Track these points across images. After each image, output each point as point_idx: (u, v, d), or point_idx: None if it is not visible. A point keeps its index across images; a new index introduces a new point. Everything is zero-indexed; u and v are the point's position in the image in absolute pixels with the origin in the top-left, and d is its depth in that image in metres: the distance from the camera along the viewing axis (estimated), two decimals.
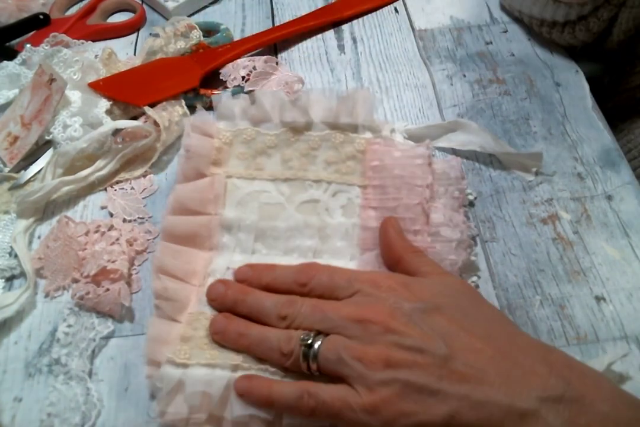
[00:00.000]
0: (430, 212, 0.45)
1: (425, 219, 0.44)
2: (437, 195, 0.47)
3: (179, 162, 0.48)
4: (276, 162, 0.48)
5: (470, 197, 0.49)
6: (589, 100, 0.55)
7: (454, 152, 0.52)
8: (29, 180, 0.53)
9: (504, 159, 0.51)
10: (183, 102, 0.56)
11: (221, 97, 0.50)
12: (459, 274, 0.43)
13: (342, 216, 0.46)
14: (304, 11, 0.66)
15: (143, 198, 0.52)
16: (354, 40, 0.63)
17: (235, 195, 0.47)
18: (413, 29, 0.64)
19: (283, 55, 0.63)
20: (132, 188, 0.53)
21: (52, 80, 0.49)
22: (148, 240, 0.49)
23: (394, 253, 0.42)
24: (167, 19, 0.66)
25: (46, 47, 0.60)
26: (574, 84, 0.57)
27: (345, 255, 0.45)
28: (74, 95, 0.54)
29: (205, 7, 0.69)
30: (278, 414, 0.37)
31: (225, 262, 0.45)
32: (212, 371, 0.38)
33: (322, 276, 0.40)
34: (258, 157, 0.48)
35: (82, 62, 0.56)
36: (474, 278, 0.45)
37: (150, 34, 0.61)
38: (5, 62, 0.60)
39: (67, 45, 0.62)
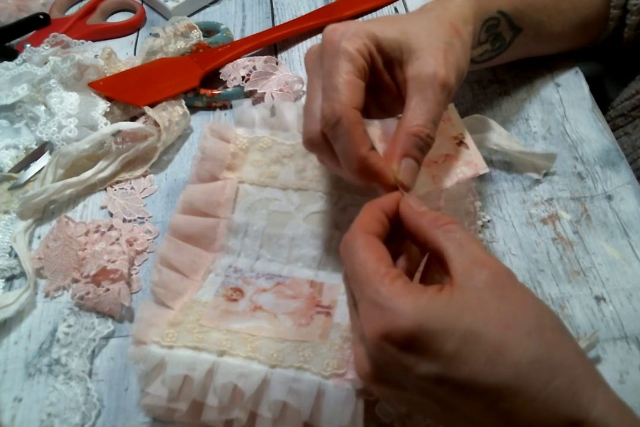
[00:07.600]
0: None
1: None
2: (446, 212, 0.45)
3: (193, 164, 0.48)
4: (290, 172, 0.48)
5: (484, 220, 0.48)
6: (588, 100, 0.55)
7: None
8: (28, 180, 0.53)
9: (516, 158, 0.51)
10: (183, 102, 0.57)
11: (242, 104, 0.50)
12: None
13: None
14: (304, 11, 0.66)
15: (143, 198, 0.52)
16: None
17: (245, 200, 0.47)
18: None
19: (283, 55, 0.63)
20: (132, 188, 0.53)
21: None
22: (148, 240, 0.49)
23: (419, 236, 0.33)
24: (167, 19, 0.66)
25: (46, 47, 0.60)
26: (574, 84, 0.57)
27: None
28: (72, 97, 0.54)
29: (205, 7, 0.69)
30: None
31: (228, 262, 0.45)
32: (197, 354, 0.37)
33: None
34: (272, 166, 0.48)
35: (81, 62, 0.56)
36: None
37: (150, 34, 0.60)
38: (10, 63, 0.60)
39: (67, 45, 0.62)
